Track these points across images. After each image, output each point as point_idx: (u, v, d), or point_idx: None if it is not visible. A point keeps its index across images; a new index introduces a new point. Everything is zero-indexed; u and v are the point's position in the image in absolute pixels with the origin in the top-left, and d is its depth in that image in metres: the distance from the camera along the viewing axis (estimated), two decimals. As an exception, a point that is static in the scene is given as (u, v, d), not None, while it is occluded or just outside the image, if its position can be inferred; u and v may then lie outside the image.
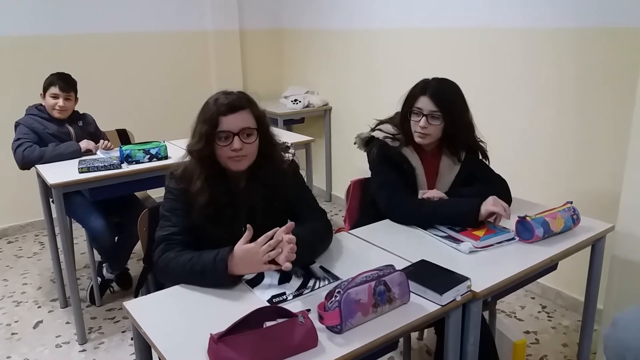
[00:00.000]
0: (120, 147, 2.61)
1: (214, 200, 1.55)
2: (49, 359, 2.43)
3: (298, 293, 1.38)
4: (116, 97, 4.03)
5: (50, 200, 2.62)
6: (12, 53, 3.63)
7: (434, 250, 1.62)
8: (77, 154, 2.72)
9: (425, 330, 2.44)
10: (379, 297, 1.24)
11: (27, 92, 3.06)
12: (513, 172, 2.16)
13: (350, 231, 1.82)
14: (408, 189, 1.89)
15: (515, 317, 2.70)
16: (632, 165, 1.98)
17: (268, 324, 1.14)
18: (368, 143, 1.97)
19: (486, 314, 1.99)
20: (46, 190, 2.64)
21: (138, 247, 2.36)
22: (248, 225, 1.42)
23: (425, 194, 1.85)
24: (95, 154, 2.79)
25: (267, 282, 1.44)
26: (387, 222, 1.86)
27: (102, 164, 2.49)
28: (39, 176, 2.60)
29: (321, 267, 1.53)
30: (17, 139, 2.71)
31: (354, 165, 3.88)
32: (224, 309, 1.32)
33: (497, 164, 2.02)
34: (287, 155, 1.74)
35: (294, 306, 1.31)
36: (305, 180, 1.97)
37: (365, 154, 1.99)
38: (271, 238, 1.39)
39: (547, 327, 2.61)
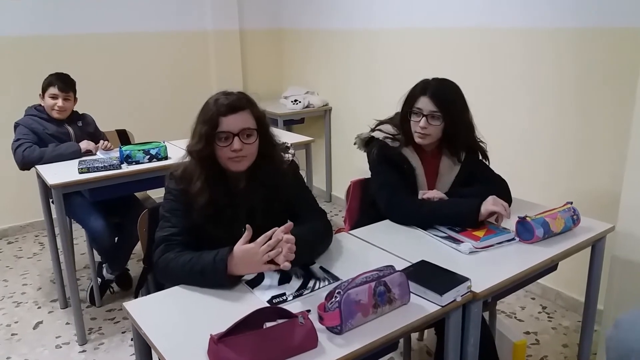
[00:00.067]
0: (120, 148, 2.61)
1: (213, 200, 1.55)
2: (49, 359, 2.43)
3: (298, 294, 1.37)
4: (116, 97, 4.03)
5: (50, 200, 2.62)
6: (12, 53, 3.63)
7: (434, 251, 1.62)
8: (77, 154, 2.72)
9: (426, 330, 2.44)
10: (379, 297, 1.24)
11: (27, 92, 3.06)
12: (513, 172, 2.16)
13: (350, 231, 1.82)
14: (408, 190, 1.88)
15: (515, 317, 2.70)
16: (632, 165, 1.98)
17: (268, 324, 1.14)
18: (368, 143, 1.97)
19: (486, 315, 1.99)
20: (46, 190, 2.64)
21: (138, 248, 2.36)
22: (247, 226, 1.41)
23: (425, 194, 1.85)
24: (95, 154, 2.79)
25: (267, 282, 1.44)
26: (387, 222, 1.86)
27: (102, 165, 2.49)
28: (39, 176, 2.60)
29: (321, 267, 1.53)
30: (17, 140, 2.71)
31: (354, 166, 3.88)
32: (224, 310, 1.32)
33: (497, 164, 2.02)
34: (287, 155, 1.74)
35: (294, 307, 1.31)
36: (305, 180, 1.97)
37: (365, 154, 1.99)
38: (270, 238, 1.39)
39: (548, 327, 2.61)
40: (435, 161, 1.96)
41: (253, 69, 4.67)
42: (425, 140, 1.86)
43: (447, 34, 3.14)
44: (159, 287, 1.54)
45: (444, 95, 1.83)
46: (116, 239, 2.71)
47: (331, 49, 4.18)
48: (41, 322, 2.72)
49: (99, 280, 2.89)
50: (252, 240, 1.40)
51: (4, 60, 3.61)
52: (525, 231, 1.67)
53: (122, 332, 2.61)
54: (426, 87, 1.84)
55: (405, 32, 3.45)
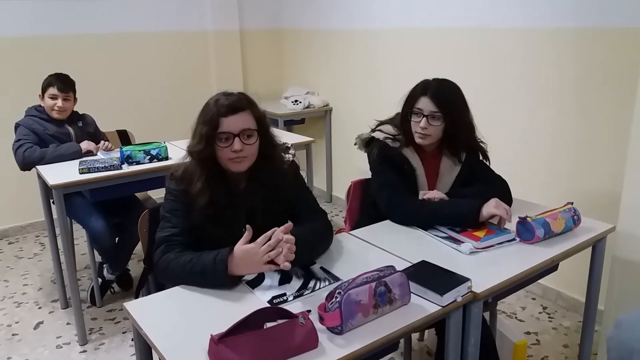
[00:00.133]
0: (121, 148, 2.62)
1: (214, 201, 1.55)
2: (50, 359, 2.43)
3: (298, 294, 1.37)
4: (116, 97, 4.03)
5: (51, 201, 2.62)
6: (12, 53, 3.63)
7: (434, 251, 1.62)
8: (77, 154, 2.72)
9: (426, 331, 2.44)
10: (380, 298, 1.24)
11: (27, 92, 3.07)
12: (513, 172, 2.16)
13: (351, 232, 1.82)
14: (408, 190, 1.88)
15: (516, 317, 2.70)
16: (633, 165, 1.98)
17: (268, 324, 1.14)
18: (368, 144, 1.97)
19: (487, 315, 1.99)
20: (47, 191, 2.64)
21: (138, 248, 2.36)
22: (248, 226, 1.42)
23: (425, 194, 1.85)
24: (96, 154, 2.79)
25: (267, 283, 1.44)
26: (387, 222, 1.86)
27: (103, 165, 2.49)
28: (40, 177, 2.60)
29: (322, 267, 1.53)
30: (18, 140, 2.72)
31: (354, 166, 3.88)
32: (224, 310, 1.32)
33: (497, 164, 2.02)
34: (287, 156, 1.74)
35: (294, 307, 1.31)
36: (306, 181, 1.97)
37: (365, 154, 1.99)
38: (270, 238, 1.39)
39: (548, 327, 2.61)
40: (435, 161, 1.96)
41: (253, 69, 4.67)
42: (426, 141, 1.86)
43: (447, 34, 3.14)
44: (160, 288, 1.54)
45: (445, 96, 1.83)
46: (117, 239, 2.71)
47: (331, 49, 4.18)
48: (42, 323, 2.73)
49: (100, 280, 2.89)
50: (252, 240, 1.40)
51: (4, 61, 3.62)
52: (525, 231, 1.67)
53: (123, 332, 2.61)
54: (426, 88, 1.84)
55: (405, 32, 3.45)
